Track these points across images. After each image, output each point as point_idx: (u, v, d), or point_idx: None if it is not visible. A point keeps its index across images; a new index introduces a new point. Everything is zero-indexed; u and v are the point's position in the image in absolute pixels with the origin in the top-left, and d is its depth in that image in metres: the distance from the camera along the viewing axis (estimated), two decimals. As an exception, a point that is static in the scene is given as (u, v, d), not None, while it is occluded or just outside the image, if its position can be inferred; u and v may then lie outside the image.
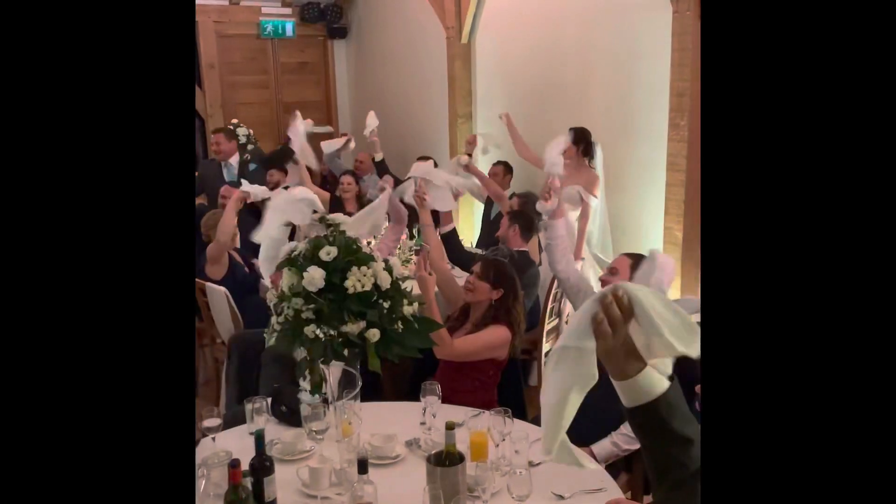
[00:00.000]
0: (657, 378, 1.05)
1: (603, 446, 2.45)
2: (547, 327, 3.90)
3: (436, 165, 5.63)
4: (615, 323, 1.02)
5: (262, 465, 1.79)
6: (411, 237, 4.59)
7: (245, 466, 1.76)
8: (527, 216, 3.91)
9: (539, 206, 3.15)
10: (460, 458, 1.79)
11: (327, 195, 5.17)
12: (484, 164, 5.20)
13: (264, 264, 2.45)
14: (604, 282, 2.73)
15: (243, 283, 3.85)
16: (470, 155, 5.07)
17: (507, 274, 2.88)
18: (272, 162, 5.34)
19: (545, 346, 3.90)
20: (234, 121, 6.34)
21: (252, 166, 5.19)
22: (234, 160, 5.25)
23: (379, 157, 5.51)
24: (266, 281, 2.54)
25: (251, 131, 5.96)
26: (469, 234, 5.65)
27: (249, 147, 5.78)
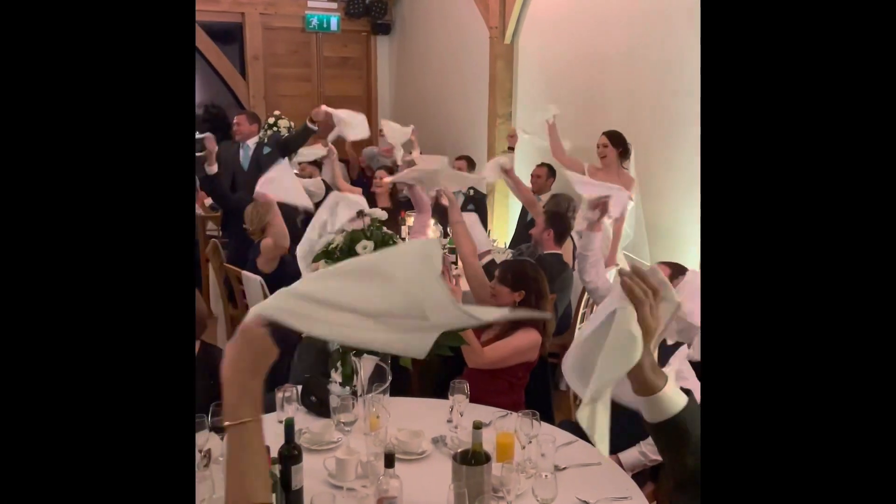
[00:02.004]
0: (678, 393, 1.10)
1: (630, 455, 2.44)
2: (578, 332, 3.87)
3: (472, 165, 5.67)
4: (644, 293, 1.07)
5: (291, 454, 1.81)
6: (445, 234, 4.60)
7: (274, 454, 1.79)
8: (562, 219, 3.89)
9: (585, 213, 3.09)
10: (486, 458, 1.79)
11: (358, 190, 5.21)
12: (523, 167, 5.19)
13: (302, 261, 2.48)
14: None
15: (293, 277, 3.90)
16: (512, 149, 5.06)
17: (527, 275, 2.85)
18: (288, 146, 5.36)
19: (575, 351, 3.87)
20: (276, 112, 6.43)
21: (266, 150, 5.22)
22: (253, 142, 5.30)
23: (416, 154, 5.54)
24: (303, 271, 2.57)
25: (292, 123, 6.02)
26: (503, 235, 5.64)
27: (269, 132, 5.82)
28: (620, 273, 1.10)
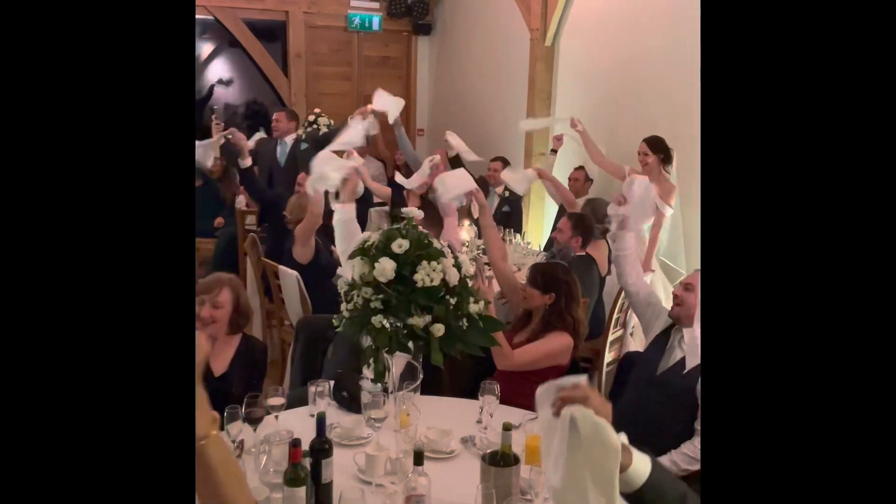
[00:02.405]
0: (642, 462, 1.22)
1: (662, 463, 2.41)
2: (611, 337, 3.84)
3: (507, 166, 5.66)
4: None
5: (322, 448, 1.83)
6: (479, 235, 4.60)
7: (305, 447, 1.81)
8: (585, 221, 3.86)
9: (611, 208, 3.08)
10: (515, 460, 1.79)
11: (389, 190, 5.23)
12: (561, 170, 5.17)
13: (343, 255, 2.52)
14: (676, 296, 2.67)
15: (326, 268, 3.94)
16: (555, 151, 5.06)
17: (558, 278, 2.83)
18: (323, 144, 5.43)
19: (608, 357, 3.85)
20: (317, 110, 6.49)
21: (303, 146, 5.28)
22: (290, 139, 5.35)
23: (453, 153, 5.54)
24: (344, 265, 2.59)
25: (332, 121, 6.08)
26: (538, 238, 5.62)
27: (308, 130, 5.89)
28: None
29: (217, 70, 11.96)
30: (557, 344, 2.72)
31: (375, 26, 7.71)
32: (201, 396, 1.04)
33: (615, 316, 3.81)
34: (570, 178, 5.07)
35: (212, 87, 11.56)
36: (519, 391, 2.65)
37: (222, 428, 1.97)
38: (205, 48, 12.05)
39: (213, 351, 2.56)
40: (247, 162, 4.60)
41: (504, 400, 2.31)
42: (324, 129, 5.96)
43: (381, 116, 4.93)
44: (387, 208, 5.45)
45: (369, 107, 4.90)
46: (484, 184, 5.48)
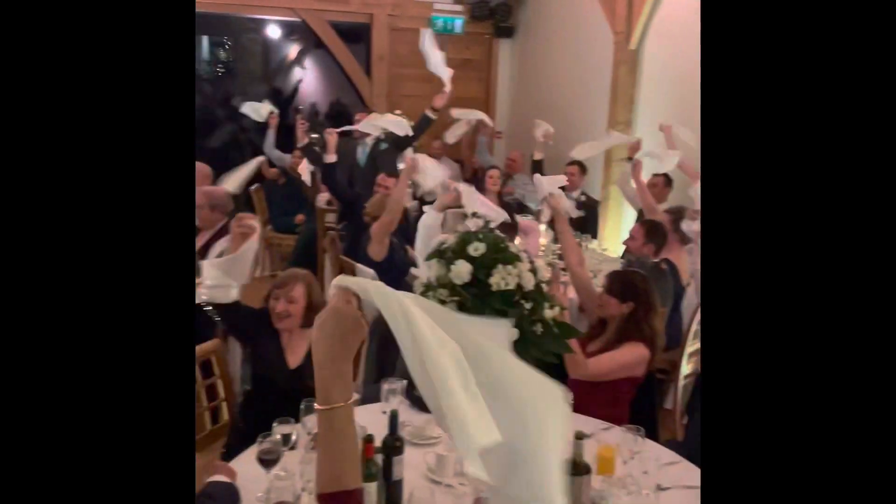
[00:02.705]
0: None
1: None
2: (689, 349, 3.74)
3: (584, 170, 5.59)
4: None
5: (394, 445, 1.86)
6: (556, 240, 4.56)
7: (377, 444, 1.84)
8: (658, 229, 3.77)
9: (685, 224, 3.01)
10: (586, 470, 1.77)
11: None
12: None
13: (421, 257, 2.56)
14: None
15: (399, 267, 4.01)
16: (630, 159, 4.98)
17: (637, 286, 2.77)
18: (403, 142, 5.52)
19: (685, 369, 3.75)
20: (397, 111, 6.59)
21: (383, 146, 5.37)
22: (371, 139, 5.46)
23: (538, 156, 5.54)
24: (421, 266, 2.63)
25: (413, 123, 6.16)
26: (615, 244, 5.53)
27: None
28: None
29: (301, 71, 12.30)
30: (633, 355, 2.67)
31: (458, 29, 7.76)
32: (347, 369, 1.08)
33: (694, 328, 3.71)
34: (648, 184, 4.97)
35: (296, 87, 11.90)
36: (590, 401, 2.61)
37: (297, 420, 2.03)
38: (291, 49, 12.43)
39: (289, 345, 2.64)
40: (331, 157, 4.73)
41: (576, 408, 2.28)
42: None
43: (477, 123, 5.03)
44: (463, 210, 5.48)
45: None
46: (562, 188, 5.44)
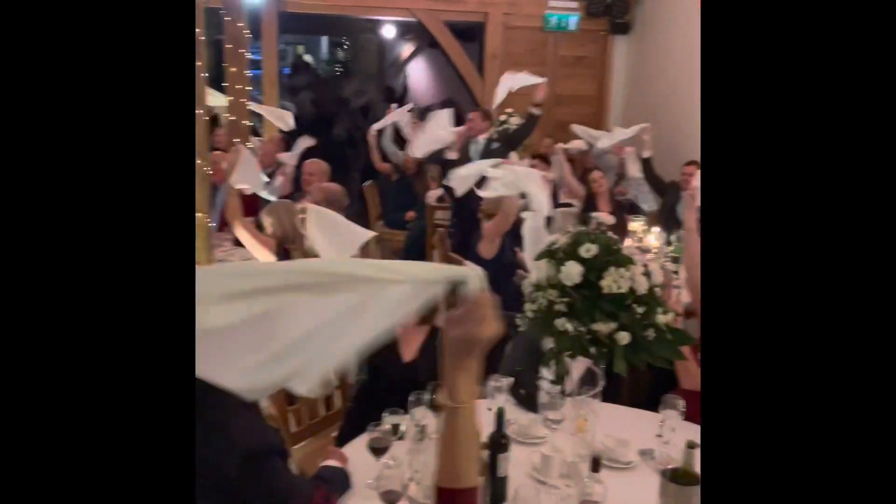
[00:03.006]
0: None
1: None
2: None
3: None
4: None
5: (500, 442, 1.88)
6: (669, 243, 4.44)
7: (483, 439, 1.87)
8: None
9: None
10: (697, 481, 1.72)
11: (583, 191, 5.20)
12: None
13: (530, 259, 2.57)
14: None
15: (507, 267, 4.03)
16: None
17: None
18: (514, 139, 5.52)
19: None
20: (509, 110, 6.59)
21: (494, 145, 5.39)
22: (483, 138, 5.49)
23: (646, 154, 5.41)
24: (531, 269, 2.64)
25: (524, 121, 6.15)
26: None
27: (500, 129, 5.99)
28: None
29: (414, 68, 12.53)
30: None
31: (572, 26, 7.67)
32: (472, 367, 1.08)
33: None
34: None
35: (405, 85, 12.13)
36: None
37: (406, 411, 2.09)
38: (405, 48, 12.68)
39: (404, 338, 2.70)
40: (453, 155, 4.81)
41: (688, 416, 2.22)
42: (513, 127, 6.06)
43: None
44: (574, 209, 5.42)
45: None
46: (676, 188, 5.28)
